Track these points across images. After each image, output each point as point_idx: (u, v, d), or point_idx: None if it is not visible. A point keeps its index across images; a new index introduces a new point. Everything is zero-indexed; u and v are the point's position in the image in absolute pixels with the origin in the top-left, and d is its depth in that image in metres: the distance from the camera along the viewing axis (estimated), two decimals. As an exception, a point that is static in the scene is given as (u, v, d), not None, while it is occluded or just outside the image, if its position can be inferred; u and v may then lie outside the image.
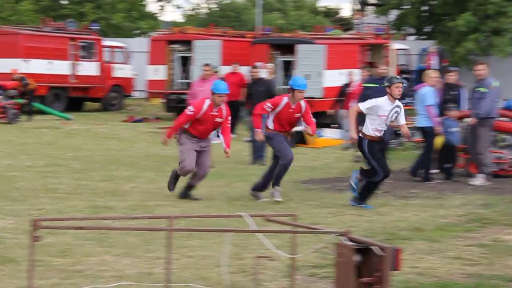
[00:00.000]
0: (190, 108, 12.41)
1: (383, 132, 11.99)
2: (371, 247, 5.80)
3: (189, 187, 12.50)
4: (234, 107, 21.33)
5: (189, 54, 27.61)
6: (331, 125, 22.28)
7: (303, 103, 12.51)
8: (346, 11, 63.37)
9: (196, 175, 12.45)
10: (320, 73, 24.70)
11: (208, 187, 13.31)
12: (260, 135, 12.61)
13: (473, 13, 26.17)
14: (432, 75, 15.73)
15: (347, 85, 19.99)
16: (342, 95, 19.90)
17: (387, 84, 11.93)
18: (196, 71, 24.62)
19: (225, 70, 23.45)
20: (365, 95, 15.04)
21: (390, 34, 29.25)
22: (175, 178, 12.56)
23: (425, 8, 29.81)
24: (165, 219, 6.76)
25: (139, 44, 33.81)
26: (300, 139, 20.13)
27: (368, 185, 12.02)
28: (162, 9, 50.92)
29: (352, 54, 25.27)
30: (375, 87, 15.59)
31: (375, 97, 12.31)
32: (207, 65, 17.20)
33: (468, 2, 26.69)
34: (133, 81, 32.32)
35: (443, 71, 24.85)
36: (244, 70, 21.94)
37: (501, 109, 16.27)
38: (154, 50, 28.36)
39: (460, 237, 10.12)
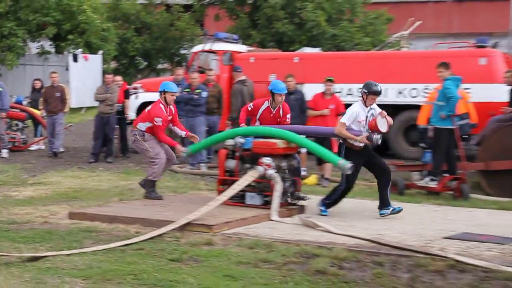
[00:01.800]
0: (157, 119, 10.00)
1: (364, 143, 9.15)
2: None
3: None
4: None
5: None
6: None
7: (281, 109, 10.26)
8: None
9: (167, 163, 10.42)
10: None
11: None
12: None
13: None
14: None
15: None
16: None
17: (365, 91, 9.18)
18: None
19: None
20: None
21: None
22: (150, 186, 10.23)
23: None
24: None
25: None
26: None
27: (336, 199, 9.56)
28: None
29: None
30: None
31: None
32: None
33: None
34: None
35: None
36: None
37: (13, 103, 17.36)
38: None
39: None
